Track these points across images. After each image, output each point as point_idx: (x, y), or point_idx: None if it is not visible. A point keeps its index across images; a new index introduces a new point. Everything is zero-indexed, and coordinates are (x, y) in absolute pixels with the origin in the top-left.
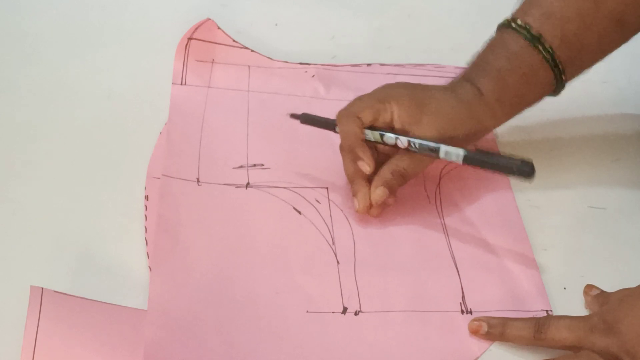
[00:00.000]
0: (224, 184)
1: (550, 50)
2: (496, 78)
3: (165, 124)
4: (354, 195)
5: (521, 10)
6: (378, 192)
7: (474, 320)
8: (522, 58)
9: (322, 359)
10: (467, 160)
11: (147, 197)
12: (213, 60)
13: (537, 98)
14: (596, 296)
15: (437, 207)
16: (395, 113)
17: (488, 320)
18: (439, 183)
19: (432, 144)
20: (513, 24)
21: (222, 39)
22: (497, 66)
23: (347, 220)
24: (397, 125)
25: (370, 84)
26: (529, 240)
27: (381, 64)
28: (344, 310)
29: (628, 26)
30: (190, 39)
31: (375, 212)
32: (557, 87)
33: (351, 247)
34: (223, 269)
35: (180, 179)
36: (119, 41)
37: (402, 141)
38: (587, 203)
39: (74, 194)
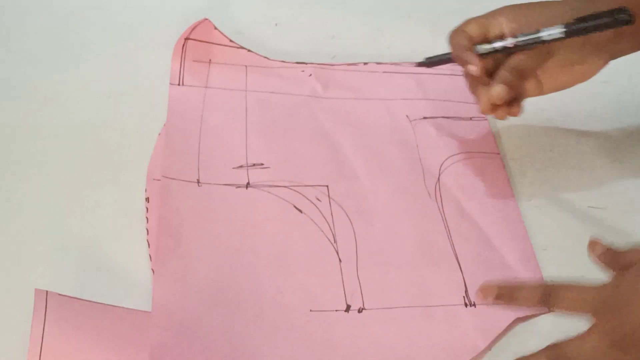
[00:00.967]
0: (224, 185)
1: None
2: None
3: (164, 125)
4: (478, 101)
5: None
6: (497, 89)
7: (484, 284)
8: None
9: (326, 358)
10: (568, 33)
11: (147, 199)
12: (210, 60)
13: None
14: (607, 254)
15: (437, 203)
16: (505, 25)
17: (498, 284)
18: (439, 178)
19: (533, 34)
20: None
21: (219, 39)
22: None
23: (348, 217)
24: (509, 36)
25: (367, 82)
26: (528, 237)
27: (378, 63)
28: (348, 308)
29: None
30: (187, 39)
31: (500, 114)
32: None
33: (353, 245)
34: (225, 270)
35: (180, 180)
36: (119, 41)
37: (509, 42)
38: (587, 203)
39: (75, 195)
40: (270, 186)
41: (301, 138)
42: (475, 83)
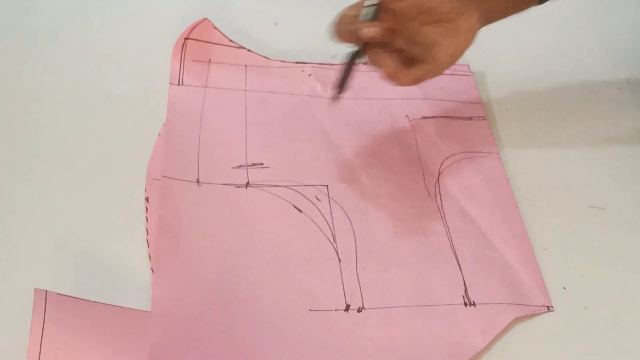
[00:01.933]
0: (224, 184)
1: None
2: None
3: (164, 124)
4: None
5: None
6: (368, 25)
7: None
8: None
9: (326, 357)
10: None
11: (147, 199)
12: (210, 60)
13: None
14: None
15: (437, 202)
16: None
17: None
18: (438, 178)
19: None
20: None
21: (219, 38)
22: None
23: (348, 217)
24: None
25: (367, 82)
26: (528, 237)
27: None
28: (347, 308)
29: None
30: (186, 39)
31: (403, 79)
32: None
33: (352, 244)
34: (225, 269)
35: (180, 180)
36: (119, 41)
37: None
38: (587, 203)
39: (75, 195)
40: (270, 186)
41: (301, 138)
42: (375, 54)
